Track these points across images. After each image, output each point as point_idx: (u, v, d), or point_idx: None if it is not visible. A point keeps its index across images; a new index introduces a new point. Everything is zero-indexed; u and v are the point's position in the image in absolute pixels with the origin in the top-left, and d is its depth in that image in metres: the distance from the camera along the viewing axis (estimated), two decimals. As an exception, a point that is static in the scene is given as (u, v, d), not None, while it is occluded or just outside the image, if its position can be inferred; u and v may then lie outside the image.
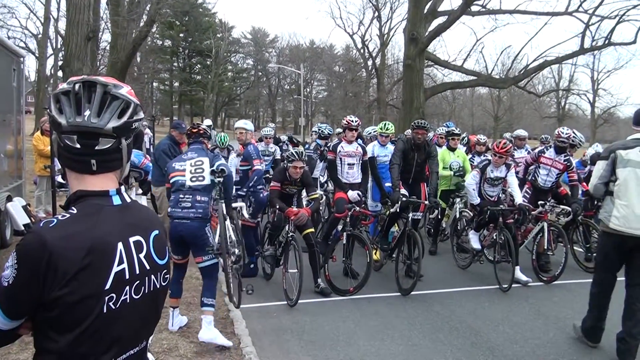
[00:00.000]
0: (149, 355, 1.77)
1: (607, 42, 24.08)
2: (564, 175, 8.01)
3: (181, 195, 5.12)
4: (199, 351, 4.79)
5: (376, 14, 42.48)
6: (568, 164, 7.75)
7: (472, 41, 33.55)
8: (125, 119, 1.54)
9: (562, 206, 7.71)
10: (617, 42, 24.61)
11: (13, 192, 8.08)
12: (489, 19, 26.10)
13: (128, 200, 1.63)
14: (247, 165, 7.28)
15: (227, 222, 5.67)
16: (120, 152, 1.57)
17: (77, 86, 1.52)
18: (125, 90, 1.58)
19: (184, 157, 5.44)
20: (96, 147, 1.51)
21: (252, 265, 7.31)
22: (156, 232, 1.67)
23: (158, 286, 1.66)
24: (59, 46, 33.85)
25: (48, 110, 1.54)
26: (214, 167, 5.24)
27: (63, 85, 1.55)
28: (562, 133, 7.79)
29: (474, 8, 23.36)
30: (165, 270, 1.70)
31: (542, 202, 7.51)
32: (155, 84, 65.80)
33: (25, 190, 9.51)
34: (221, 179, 5.25)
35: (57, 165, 7.64)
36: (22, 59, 9.02)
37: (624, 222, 4.71)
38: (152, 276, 1.63)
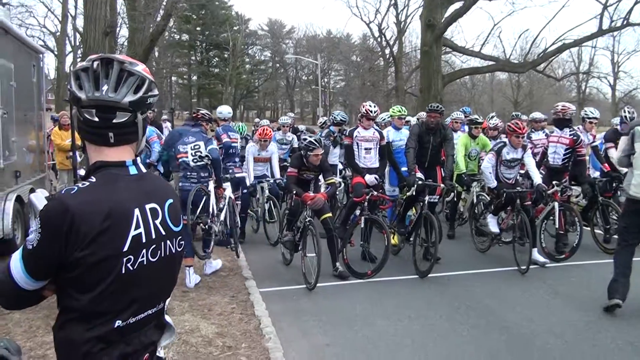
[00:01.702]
0: (167, 317, 1.88)
1: (625, 22, 23.68)
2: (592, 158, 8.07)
3: (188, 173, 6.58)
4: (220, 332, 4.92)
5: (392, 1, 42.13)
6: (575, 138, 7.73)
7: (489, 26, 33.28)
8: (140, 94, 1.65)
9: (574, 187, 7.70)
10: (636, 22, 24.18)
11: (36, 185, 8.32)
12: (506, 2, 26.11)
13: (144, 170, 1.75)
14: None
15: (212, 197, 6.70)
16: (136, 126, 1.68)
17: (95, 63, 1.64)
18: (141, 68, 1.69)
19: (185, 140, 6.65)
20: (113, 121, 1.62)
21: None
22: (171, 200, 1.79)
23: (174, 251, 1.78)
24: (77, 43, 34.28)
25: (68, 86, 1.66)
26: (207, 151, 6.54)
27: (82, 63, 1.66)
28: (557, 107, 7.96)
29: (491, -8, 23.15)
30: (180, 237, 1.82)
31: (556, 182, 7.50)
32: (173, 78, 66.22)
33: (48, 184, 9.75)
34: (209, 161, 6.55)
35: (78, 158, 7.85)
36: (41, 55, 9.19)
37: None
38: (168, 241, 1.75)
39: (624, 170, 5.90)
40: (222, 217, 6.85)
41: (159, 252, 1.70)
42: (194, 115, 7.13)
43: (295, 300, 5.97)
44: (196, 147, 6.54)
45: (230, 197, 7.13)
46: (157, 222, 1.70)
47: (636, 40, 57.01)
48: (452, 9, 22.80)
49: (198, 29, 63.47)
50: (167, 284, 1.83)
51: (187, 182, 6.53)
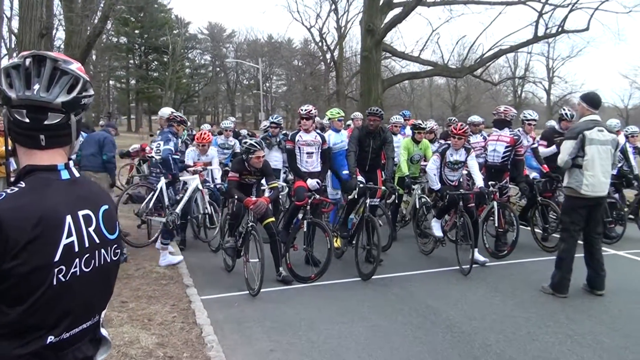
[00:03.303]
0: (102, 330, 1.78)
1: (560, 29, 24.65)
2: (528, 158, 8.40)
3: (153, 168, 7.92)
4: (160, 342, 4.77)
5: (333, 6, 42.66)
6: (516, 138, 8.02)
7: (428, 32, 33.96)
8: (74, 94, 1.56)
9: (512, 186, 7.98)
10: (571, 29, 25.22)
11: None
12: (444, 9, 26.47)
13: (77, 175, 1.65)
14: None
15: (162, 190, 7.56)
16: (69, 128, 1.58)
17: (27, 61, 1.54)
18: (75, 67, 1.59)
19: (157, 139, 7.91)
20: (45, 122, 1.53)
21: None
22: (106, 206, 1.69)
23: (109, 260, 1.68)
24: (12, 46, 32.84)
25: None
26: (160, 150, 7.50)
27: (13, 60, 1.56)
28: (499, 108, 8.37)
29: (429, -1, 23.65)
30: (115, 245, 1.71)
31: (493, 182, 7.70)
32: (111, 82, 64.49)
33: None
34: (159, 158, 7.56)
35: (13, 165, 7.49)
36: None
37: (592, 188, 5.94)
38: (102, 250, 1.65)
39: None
40: (177, 209, 7.52)
41: (92, 261, 1.60)
42: (168, 117, 8.17)
43: (238, 307, 5.87)
44: (157, 145, 7.65)
45: (197, 189, 7.86)
46: (91, 229, 1.60)
47: (570, 47, 59.74)
48: (391, 14, 23.15)
49: (137, 31, 62.09)
50: (103, 295, 1.73)
51: (152, 177, 7.91)
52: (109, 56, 58.62)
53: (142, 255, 7.76)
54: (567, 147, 6.05)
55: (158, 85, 61.33)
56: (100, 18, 17.04)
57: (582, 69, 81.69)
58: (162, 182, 7.58)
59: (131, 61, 64.75)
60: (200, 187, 7.92)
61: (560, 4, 23.64)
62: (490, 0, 24.96)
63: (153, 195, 7.57)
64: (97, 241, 1.62)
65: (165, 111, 8.95)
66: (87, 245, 1.58)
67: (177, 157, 7.87)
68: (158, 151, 7.60)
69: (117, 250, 1.72)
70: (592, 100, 6.10)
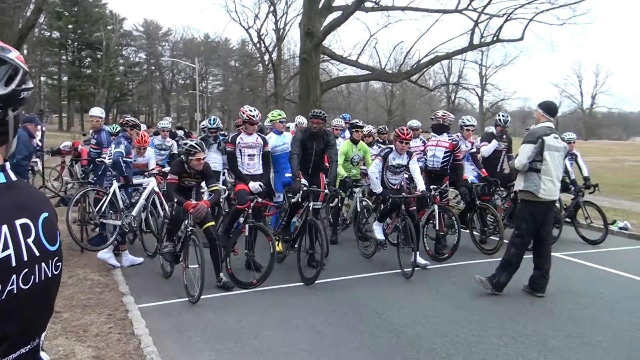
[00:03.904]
0: (43, 354, 1.58)
1: (495, 38, 25.47)
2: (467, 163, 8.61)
3: (108, 172, 7.80)
4: (97, 355, 4.51)
5: (271, 8, 42.45)
6: (455, 142, 8.19)
7: (366, 37, 34.33)
8: (13, 86, 1.36)
9: (452, 190, 8.12)
10: (505, 38, 26.08)
11: None
12: (382, 15, 26.88)
13: (14, 178, 1.43)
14: (99, 149, 8.37)
15: (114, 194, 7.50)
16: (6, 125, 1.38)
17: None
18: (14, 55, 1.38)
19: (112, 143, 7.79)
20: None
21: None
22: (46, 214, 1.47)
23: (50, 275, 1.46)
24: None
25: None
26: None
27: None
28: (438, 113, 8.55)
29: (367, 4, 23.94)
30: (57, 258, 1.50)
31: (434, 186, 7.79)
32: (42, 79, 61.85)
33: None
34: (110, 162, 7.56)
35: None
36: None
37: (549, 193, 6.18)
38: (43, 264, 1.43)
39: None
40: (133, 212, 7.43)
41: (32, 277, 1.38)
42: (120, 122, 8.41)
43: (178, 315, 5.64)
44: (110, 149, 7.60)
45: (153, 191, 7.76)
46: (30, 241, 1.38)
47: (504, 55, 62.02)
48: (330, 17, 23.27)
49: (70, 26, 59.84)
50: (43, 315, 1.50)
51: (107, 181, 7.81)
52: (40, 51, 56.30)
53: (75, 261, 7.39)
54: (527, 151, 6.18)
55: (91, 82, 59.34)
56: (33, 10, 16.38)
57: (514, 77, 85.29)
58: (115, 185, 7.48)
59: (64, 57, 62.42)
60: (156, 189, 7.80)
61: (496, 13, 24.46)
62: (428, 8, 25.53)
63: (106, 199, 7.45)
64: (37, 254, 1.40)
65: (96, 111, 8.75)
66: (25, 259, 1.36)
67: (130, 160, 7.72)
68: (110, 154, 7.55)
69: (58, 264, 1.51)
70: (548, 108, 6.40)
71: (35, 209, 1.44)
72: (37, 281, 1.40)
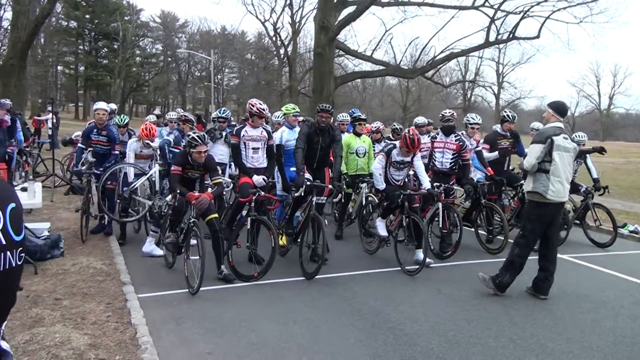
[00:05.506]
0: (4, 342, 1.58)
1: (511, 36, 25.21)
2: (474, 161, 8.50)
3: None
4: (92, 343, 4.52)
5: (288, 1, 42.33)
6: (461, 143, 8.08)
7: (381, 32, 34.17)
8: None
9: (457, 188, 8.04)
10: (522, 36, 25.81)
11: None
12: (398, 10, 26.70)
13: None
14: (110, 144, 8.40)
15: (150, 175, 7.89)
16: None
17: None
18: None
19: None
20: None
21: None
22: (13, 204, 1.48)
23: (14, 264, 1.47)
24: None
25: None
26: None
27: None
28: (446, 113, 8.36)
29: (383, -1, 23.75)
30: (20, 248, 1.51)
31: (438, 184, 7.72)
32: (59, 68, 62.43)
33: None
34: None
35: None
36: None
37: (557, 194, 6.05)
38: (8, 253, 1.44)
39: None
40: (168, 198, 7.30)
41: None
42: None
43: (176, 306, 5.64)
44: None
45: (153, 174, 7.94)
46: None
47: (521, 53, 61.25)
48: (345, 12, 23.17)
49: (87, 16, 60.21)
50: (5, 305, 1.52)
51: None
52: (58, 40, 56.68)
53: (79, 249, 7.44)
54: (536, 151, 6.07)
55: (107, 72, 59.78)
56: (50, -1, 16.44)
57: (531, 76, 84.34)
58: (156, 167, 7.93)
59: (80, 47, 62.92)
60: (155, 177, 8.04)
61: (512, 11, 24.20)
62: (444, 4, 25.31)
63: (144, 178, 7.89)
64: (4, 242, 1.42)
65: (102, 104, 8.81)
66: None
67: (177, 150, 8.09)
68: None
69: (22, 254, 1.52)
70: (558, 108, 6.26)
71: (3, 199, 1.45)
72: (1, 270, 1.41)
